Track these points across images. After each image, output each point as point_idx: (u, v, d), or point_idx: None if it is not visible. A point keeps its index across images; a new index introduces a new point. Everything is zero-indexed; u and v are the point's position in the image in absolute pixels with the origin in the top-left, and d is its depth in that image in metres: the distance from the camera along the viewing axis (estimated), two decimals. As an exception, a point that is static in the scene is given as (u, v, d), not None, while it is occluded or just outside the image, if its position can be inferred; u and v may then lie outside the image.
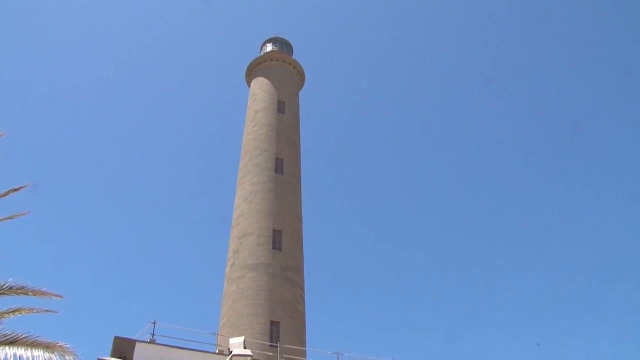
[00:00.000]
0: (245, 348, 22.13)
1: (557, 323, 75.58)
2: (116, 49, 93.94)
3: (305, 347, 29.89)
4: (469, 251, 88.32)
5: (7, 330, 15.49)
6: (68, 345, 15.90)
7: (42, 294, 16.35)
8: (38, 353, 15.37)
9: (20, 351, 15.23)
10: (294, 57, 47.25)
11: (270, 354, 26.12)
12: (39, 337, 15.61)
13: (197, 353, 21.38)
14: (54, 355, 15.63)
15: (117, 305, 77.27)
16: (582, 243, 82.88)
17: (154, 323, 21.52)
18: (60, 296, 16.64)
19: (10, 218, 16.84)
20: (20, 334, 15.47)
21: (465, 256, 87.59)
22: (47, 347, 15.54)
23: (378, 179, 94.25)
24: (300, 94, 46.92)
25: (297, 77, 46.57)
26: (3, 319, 15.90)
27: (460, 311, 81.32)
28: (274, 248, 33.27)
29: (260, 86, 44.11)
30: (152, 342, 20.97)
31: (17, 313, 16.19)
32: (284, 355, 24.76)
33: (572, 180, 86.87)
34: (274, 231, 34.12)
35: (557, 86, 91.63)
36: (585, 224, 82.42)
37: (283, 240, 33.92)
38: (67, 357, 15.81)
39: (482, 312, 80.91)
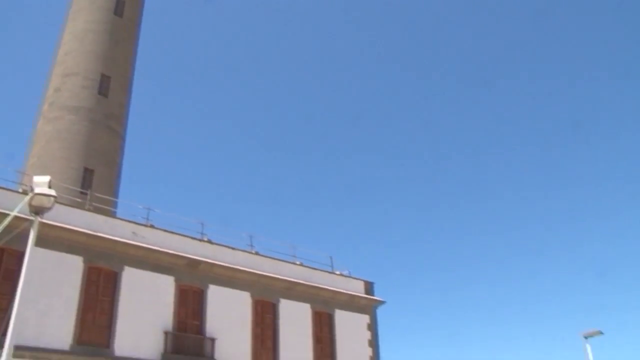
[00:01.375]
0: (50, 188, 20.95)
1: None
2: None
3: (117, 199, 29.32)
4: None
5: None
6: None
7: None
8: None
9: None
10: None
11: (79, 200, 25.20)
12: None
13: (-2, 190, 19.72)
14: None
15: None
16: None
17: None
18: None
19: None
20: None
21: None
22: None
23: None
24: None
25: None
26: None
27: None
28: (99, 93, 31.48)
29: None
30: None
31: None
32: (93, 203, 23.97)
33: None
34: (103, 75, 32.14)
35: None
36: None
37: (110, 87, 32.14)
38: None
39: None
